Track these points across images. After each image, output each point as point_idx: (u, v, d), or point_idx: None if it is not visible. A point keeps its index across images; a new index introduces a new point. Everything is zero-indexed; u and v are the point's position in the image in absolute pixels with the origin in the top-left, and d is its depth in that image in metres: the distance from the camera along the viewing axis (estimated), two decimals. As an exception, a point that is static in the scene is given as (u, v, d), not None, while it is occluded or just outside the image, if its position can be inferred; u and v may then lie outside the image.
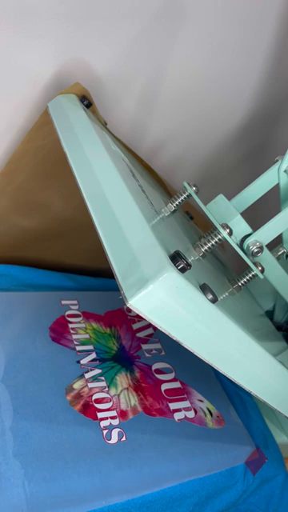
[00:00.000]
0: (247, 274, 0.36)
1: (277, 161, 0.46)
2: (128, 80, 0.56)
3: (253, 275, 0.36)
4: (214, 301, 0.29)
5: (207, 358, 0.31)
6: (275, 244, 0.47)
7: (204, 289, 0.29)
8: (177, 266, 0.27)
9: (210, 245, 0.34)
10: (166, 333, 0.28)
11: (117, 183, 0.36)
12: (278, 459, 0.50)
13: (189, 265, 0.28)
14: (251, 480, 0.47)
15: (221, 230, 0.34)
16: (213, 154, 0.70)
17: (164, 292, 0.27)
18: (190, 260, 0.28)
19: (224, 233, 0.34)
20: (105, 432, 0.43)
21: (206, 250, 0.34)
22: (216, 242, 0.34)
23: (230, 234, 0.34)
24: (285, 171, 0.45)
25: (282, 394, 0.37)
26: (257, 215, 0.50)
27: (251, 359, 0.34)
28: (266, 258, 0.43)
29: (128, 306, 0.27)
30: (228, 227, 0.34)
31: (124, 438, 0.43)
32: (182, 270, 0.27)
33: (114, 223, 0.32)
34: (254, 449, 0.48)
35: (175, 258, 0.28)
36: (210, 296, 0.29)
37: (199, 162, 0.70)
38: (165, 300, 0.27)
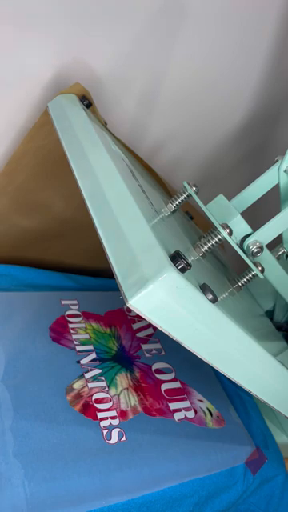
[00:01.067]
0: (247, 274, 0.36)
1: (277, 161, 0.46)
2: (128, 80, 0.56)
3: (253, 275, 0.36)
4: (214, 301, 0.29)
5: (207, 358, 0.31)
6: (275, 244, 0.47)
7: (204, 289, 0.29)
8: (177, 266, 0.27)
9: (210, 245, 0.34)
10: (166, 333, 0.28)
11: (117, 183, 0.36)
12: (278, 459, 0.50)
13: (189, 265, 0.27)
14: (251, 480, 0.47)
15: (221, 230, 0.34)
16: (213, 154, 0.70)
17: (164, 292, 0.27)
18: (190, 260, 0.28)
19: (224, 233, 0.34)
20: (105, 432, 0.43)
21: (206, 249, 0.34)
22: (216, 242, 0.34)
23: (230, 234, 0.34)
24: (285, 171, 0.45)
25: (282, 394, 0.37)
26: (257, 215, 0.50)
27: (251, 359, 0.34)
28: (266, 258, 0.43)
29: (128, 305, 0.27)
30: (228, 227, 0.34)
31: (124, 438, 0.43)
32: (182, 270, 0.27)
33: (114, 223, 0.32)
34: (254, 449, 0.48)
35: (175, 258, 0.27)
36: (210, 296, 0.29)
37: (199, 162, 0.70)
38: (165, 300, 0.27)
